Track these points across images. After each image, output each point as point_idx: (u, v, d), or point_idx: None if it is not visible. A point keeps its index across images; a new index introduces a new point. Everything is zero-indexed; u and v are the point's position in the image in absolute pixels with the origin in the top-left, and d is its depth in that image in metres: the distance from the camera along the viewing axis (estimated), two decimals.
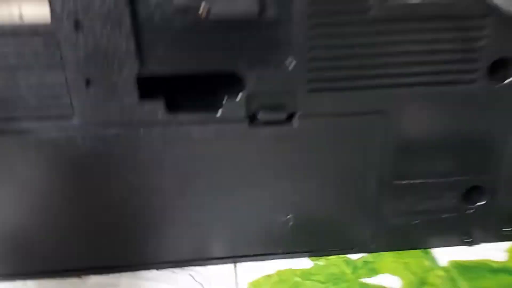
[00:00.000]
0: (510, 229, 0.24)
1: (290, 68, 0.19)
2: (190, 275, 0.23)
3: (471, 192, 0.23)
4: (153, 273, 0.24)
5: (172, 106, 0.19)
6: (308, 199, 0.22)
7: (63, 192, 0.21)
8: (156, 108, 0.19)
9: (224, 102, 0.20)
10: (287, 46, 0.18)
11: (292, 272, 0.24)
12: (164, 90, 0.20)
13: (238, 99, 0.19)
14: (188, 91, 0.20)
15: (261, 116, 0.20)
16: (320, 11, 0.18)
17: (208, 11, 0.17)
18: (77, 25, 0.17)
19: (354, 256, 0.24)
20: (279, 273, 0.24)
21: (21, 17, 0.16)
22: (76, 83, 0.18)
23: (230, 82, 0.19)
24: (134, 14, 0.17)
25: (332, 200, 0.22)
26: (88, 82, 0.18)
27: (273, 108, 0.20)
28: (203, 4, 0.17)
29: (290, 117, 0.20)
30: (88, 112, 0.19)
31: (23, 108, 0.19)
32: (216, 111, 0.20)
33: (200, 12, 0.17)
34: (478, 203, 0.23)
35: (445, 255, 0.24)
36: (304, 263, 0.24)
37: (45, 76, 0.18)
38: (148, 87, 0.19)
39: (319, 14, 0.18)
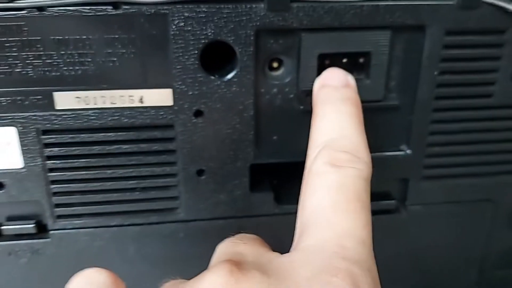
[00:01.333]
0: None
1: (408, 152, 0.18)
2: None
3: None
4: None
5: (280, 197, 0.18)
6: None
7: None
8: (266, 200, 0.17)
9: None
10: (404, 131, 0.17)
11: None
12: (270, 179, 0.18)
13: None
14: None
15: None
16: (447, 94, 0.17)
17: None
18: (197, 114, 0.16)
19: None
20: None
21: (141, 100, 0.15)
22: (188, 174, 0.17)
23: None
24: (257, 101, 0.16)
25: None
26: (200, 173, 0.16)
27: (381, 197, 0.19)
28: None
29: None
30: (195, 204, 0.17)
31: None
32: None
33: None
34: None
35: None
36: None
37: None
38: (256, 176, 0.17)
39: (446, 97, 0.17)
